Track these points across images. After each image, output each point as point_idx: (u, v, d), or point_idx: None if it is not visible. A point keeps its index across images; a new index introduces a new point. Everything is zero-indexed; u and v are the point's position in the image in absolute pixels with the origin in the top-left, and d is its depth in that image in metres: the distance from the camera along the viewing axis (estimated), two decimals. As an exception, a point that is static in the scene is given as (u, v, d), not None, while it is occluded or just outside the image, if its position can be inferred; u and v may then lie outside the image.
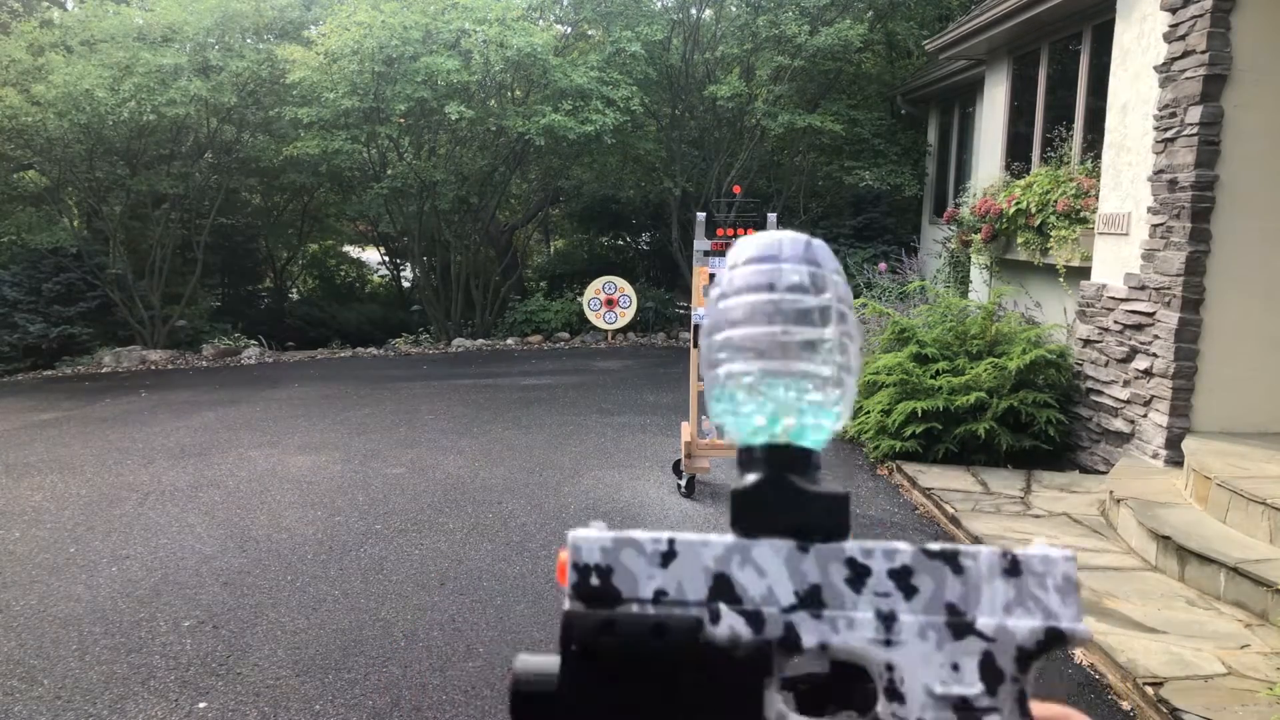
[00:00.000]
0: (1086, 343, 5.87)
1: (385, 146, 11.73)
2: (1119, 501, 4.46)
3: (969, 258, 8.50)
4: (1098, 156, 6.19)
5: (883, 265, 9.25)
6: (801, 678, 0.69)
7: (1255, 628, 3.44)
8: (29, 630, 3.61)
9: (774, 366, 0.44)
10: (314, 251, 15.54)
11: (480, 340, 11.83)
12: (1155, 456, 5.03)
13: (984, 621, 0.40)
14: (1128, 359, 5.39)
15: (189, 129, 11.20)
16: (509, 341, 11.85)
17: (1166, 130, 5.08)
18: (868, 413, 6.03)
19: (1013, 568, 0.40)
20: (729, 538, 0.42)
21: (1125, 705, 3.05)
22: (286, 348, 12.03)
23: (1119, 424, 5.44)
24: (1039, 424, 5.67)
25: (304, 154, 10.74)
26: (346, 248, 16.34)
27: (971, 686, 0.39)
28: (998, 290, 6.87)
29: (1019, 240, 7.04)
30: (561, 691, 0.41)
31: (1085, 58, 6.91)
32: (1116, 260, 5.64)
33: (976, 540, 4.41)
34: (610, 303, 11.35)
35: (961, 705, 0.39)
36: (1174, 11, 5.04)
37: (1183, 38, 4.96)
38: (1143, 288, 5.26)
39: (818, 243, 0.46)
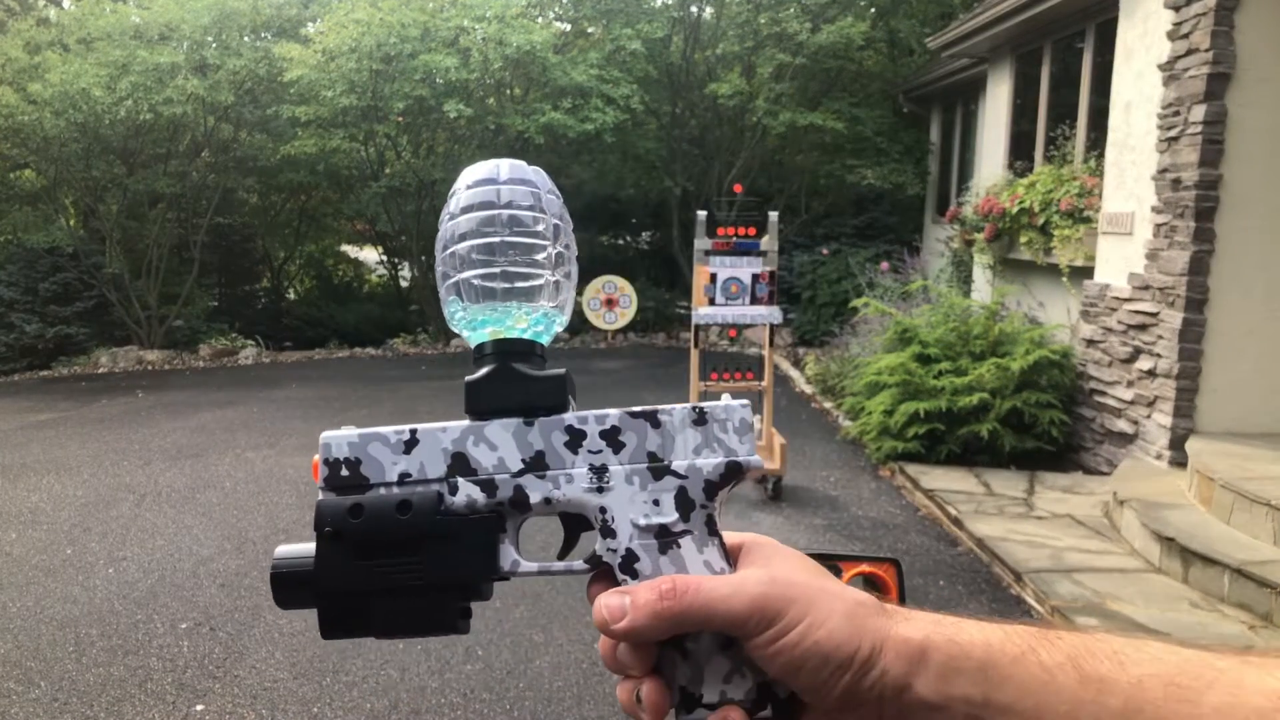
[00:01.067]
0: (1090, 343, 5.84)
1: (383, 145, 11.70)
2: (1122, 503, 4.43)
3: (972, 257, 8.48)
4: (1101, 155, 6.16)
5: (885, 265, 9.22)
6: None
7: (1259, 629, 3.41)
8: (25, 632, 3.58)
9: (495, 271, 0.50)
10: (311, 251, 15.49)
11: (479, 340, 11.80)
12: (1159, 457, 5.01)
13: (678, 463, 0.48)
14: (1131, 359, 5.36)
15: (186, 128, 11.16)
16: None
17: (1170, 129, 5.05)
18: (870, 413, 6.00)
19: (700, 418, 0.48)
20: (465, 422, 0.49)
21: (1131, 709, 3.03)
22: (284, 348, 12.00)
23: (1122, 425, 5.41)
24: (1042, 425, 5.64)
25: (301, 153, 10.70)
26: (344, 247, 16.30)
27: (669, 515, 0.47)
28: (1001, 290, 6.84)
29: (1022, 240, 7.01)
30: (318, 569, 0.47)
31: (1088, 56, 6.89)
32: (1120, 260, 5.61)
33: (980, 544, 4.38)
34: (610, 302, 11.33)
35: (662, 531, 0.47)
36: (1177, 10, 5.01)
37: (1186, 36, 4.93)
38: (1146, 287, 5.23)
39: (534, 168, 0.52)
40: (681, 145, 12.15)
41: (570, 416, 0.49)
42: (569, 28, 12.60)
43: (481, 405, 0.50)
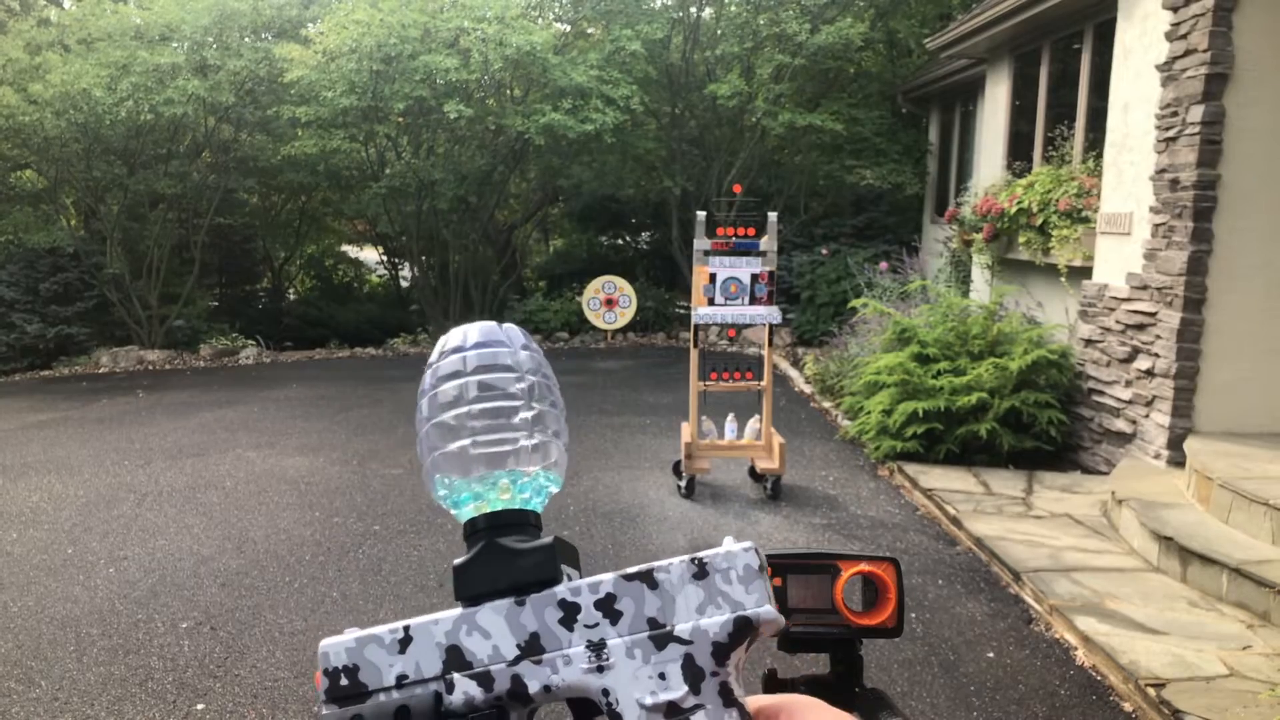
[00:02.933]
0: (1088, 343, 5.85)
1: (384, 145, 11.71)
2: (1121, 502, 4.44)
3: (970, 257, 8.49)
4: (1099, 156, 6.17)
5: (884, 264, 9.23)
6: (801, 679, 0.69)
7: (1257, 629, 3.42)
8: (26, 631, 3.59)
9: (479, 441, 0.47)
10: (312, 251, 15.50)
11: (479, 340, 11.79)
12: (1157, 457, 5.02)
13: (681, 627, 0.43)
14: (1130, 359, 5.37)
15: (186, 128, 11.17)
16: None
17: (1168, 129, 5.06)
18: (868, 413, 6.01)
19: (700, 570, 0.43)
20: (457, 611, 0.46)
21: (1128, 707, 3.04)
22: (284, 348, 12.00)
23: (1121, 424, 5.42)
24: (1040, 424, 5.65)
25: (302, 153, 10.71)
26: (344, 247, 16.31)
27: (677, 690, 0.42)
28: (999, 290, 6.85)
29: (1020, 240, 7.02)
30: None
31: (1087, 56, 6.90)
32: (1118, 260, 5.62)
33: (979, 543, 4.39)
34: (610, 302, 11.33)
35: (671, 709, 0.42)
36: (1176, 10, 5.02)
37: (1184, 36, 4.94)
38: (1145, 287, 5.24)
39: (508, 326, 0.50)
40: (681, 145, 12.15)
41: (563, 589, 0.45)
42: (569, 28, 12.61)
43: (470, 590, 0.46)
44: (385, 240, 14.67)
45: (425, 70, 9.90)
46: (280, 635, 3.52)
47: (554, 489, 0.50)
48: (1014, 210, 6.96)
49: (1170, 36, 5.07)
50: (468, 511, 0.48)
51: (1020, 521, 4.65)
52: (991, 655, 3.39)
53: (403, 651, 0.46)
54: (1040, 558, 4.12)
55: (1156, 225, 5.15)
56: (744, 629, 0.43)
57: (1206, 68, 4.75)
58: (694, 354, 5.15)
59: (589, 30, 12.48)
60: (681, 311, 12.04)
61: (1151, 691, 2.98)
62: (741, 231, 4.99)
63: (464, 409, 0.48)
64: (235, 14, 10.53)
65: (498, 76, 10.56)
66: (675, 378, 8.64)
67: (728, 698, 0.43)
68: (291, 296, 15.13)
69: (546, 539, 0.47)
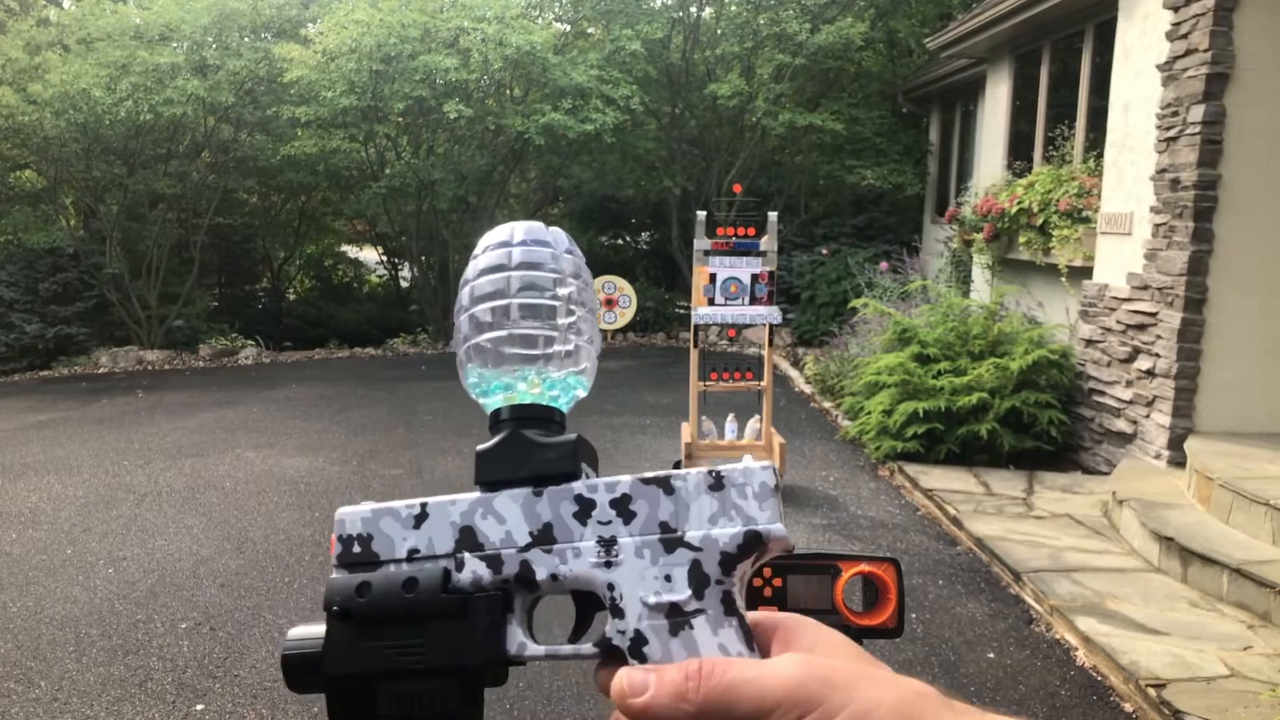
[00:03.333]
0: (1089, 343, 5.85)
1: (383, 145, 11.70)
2: (1121, 502, 4.44)
3: (971, 257, 8.48)
4: (1100, 156, 6.17)
5: (884, 265, 9.22)
6: None
7: (1258, 629, 3.42)
8: (26, 632, 3.58)
9: (515, 337, 0.48)
10: (311, 251, 15.49)
11: (479, 340, 11.79)
12: (1158, 457, 5.01)
13: (692, 534, 0.44)
14: (1130, 359, 5.37)
15: (186, 128, 11.16)
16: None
17: (1169, 129, 5.05)
18: (869, 413, 6.01)
19: (717, 483, 0.44)
20: (474, 494, 0.47)
21: (1128, 707, 3.03)
22: (284, 348, 12.00)
23: (1121, 424, 5.42)
24: (1041, 425, 5.64)
25: (301, 153, 10.70)
26: (344, 247, 16.30)
27: (680, 593, 0.43)
28: (1000, 290, 6.85)
29: (1021, 240, 7.02)
30: (325, 651, 0.46)
31: (1087, 56, 6.89)
32: (1119, 260, 5.61)
33: (979, 543, 4.39)
34: (610, 302, 11.33)
35: (673, 610, 0.43)
36: (1176, 10, 5.02)
37: (1185, 36, 4.93)
38: (1145, 287, 5.24)
39: (554, 228, 0.51)
40: (681, 145, 12.15)
41: (580, 485, 0.46)
42: (569, 28, 12.60)
43: (491, 475, 0.47)
44: (385, 240, 14.67)
45: (425, 70, 9.89)
46: (280, 635, 3.52)
47: (581, 393, 0.51)
48: (1014, 210, 6.96)
49: (1171, 36, 5.06)
50: (495, 401, 0.49)
51: (1021, 522, 4.64)
52: (992, 656, 3.38)
53: (417, 527, 0.47)
54: (1041, 558, 4.11)
55: (1157, 225, 5.15)
56: (753, 543, 0.44)
57: (1207, 67, 4.75)
58: (694, 354, 5.14)
59: (589, 30, 12.48)
60: (681, 311, 12.04)
61: (1152, 692, 2.98)
62: (741, 231, 4.98)
63: (504, 303, 0.48)
64: (235, 14, 10.52)
65: (497, 76, 10.56)
66: (675, 378, 8.64)
67: (729, 607, 0.43)
68: (291, 296, 15.12)
69: (570, 435, 0.48)
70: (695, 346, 5.15)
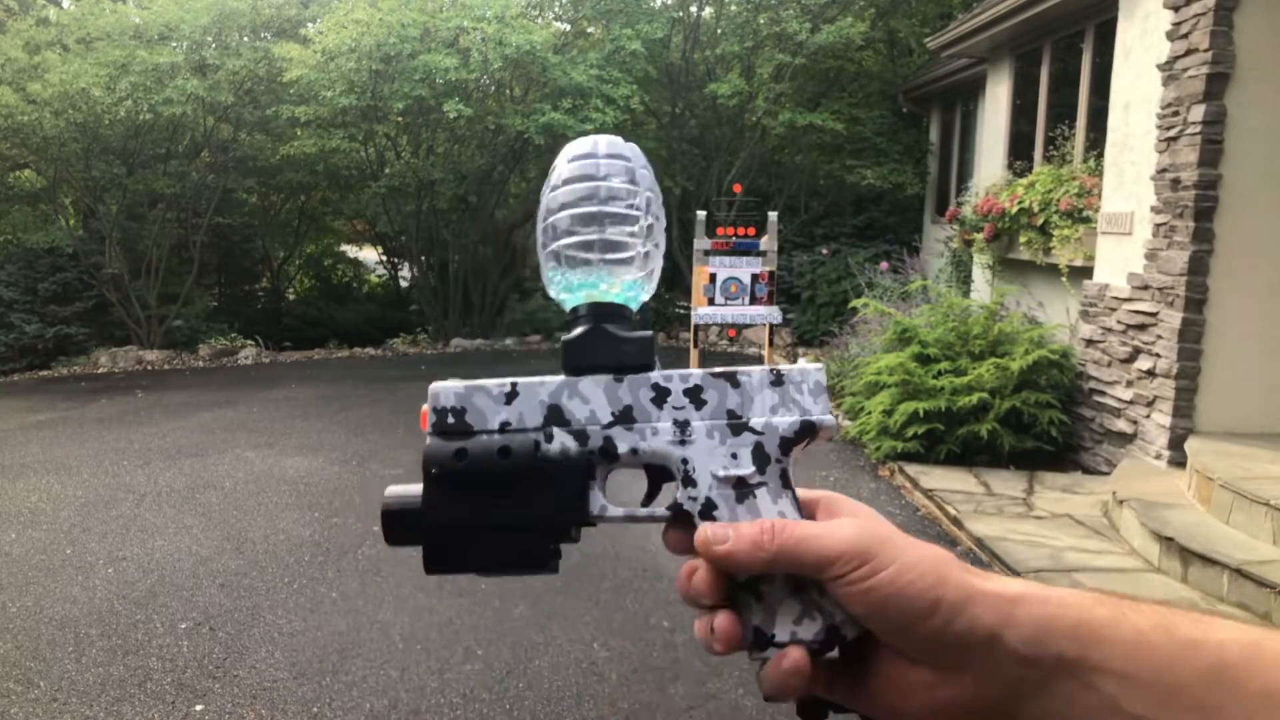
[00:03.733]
0: (1089, 343, 5.84)
1: (383, 145, 11.69)
2: (1122, 503, 4.43)
3: (971, 257, 8.48)
4: (1100, 155, 6.17)
5: (884, 264, 9.21)
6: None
7: (1261, 630, 3.41)
8: (25, 632, 3.58)
9: (593, 239, 0.53)
10: (311, 251, 15.48)
11: (479, 340, 11.80)
12: (1158, 457, 5.01)
13: (756, 421, 0.51)
14: (1131, 359, 5.36)
15: (185, 128, 11.16)
16: (508, 342, 11.82)
17: (1169, 129, 5.05)
18: (869, 413, 6.00)
19: (778, 379, 0.52)
20: (561, 378, 0.53)
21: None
22: (283, 348, 11.99)
23: (1122, 424, 5.42)
24: (1041, 425, 5.64)
25: (301, 153, 10.70)
26: (344, 247, 16.29)
27: (746, 468, 0.51)
28: (1000, 290, 6.84)
29: (1021, 239, 7.01)
30: (424, 509, 0.52)
31: (1088, 56, 6.89)
32: (1119, 260, 5.61)
33: (979, 543, 4.38)
34: (609, 302, 11.31)
35: (739, 483, 0.51)
36: (1177, 9, 5.01)
37: (1185, 36, 4.93)
38: (1146, 287, 5.23)
39: (630, 144, 0.56)
40: (681, 145, 12.14)
41: (657, 375, 0.52)
42: (569, 28, 12.59)
43: (576, 362, 0.53)
44: (385, 240, 14.66)
45: (425, 70, 9.88)
46: (279, 636, 3.51)
47: (647, 294, 0.56)
48: (1015, 210, 6.95)
49: (1171, 36, 5.06)
50: (577, 298, 0.54)
51: (1021, 522, 4.64)
52: (992, 656, 3.37)
53: (508, 403, 0.52)
54: (1041, 558, 4.11)
55: (1158, 225, 5.14)
56: (808, 430, 0.51)
57: (1208, 67, 4.74)
58: (694, 354, 5.13)
59: (589, 30, 12.47)
60: (681, 311, 12.03)
61: (1153, 692, 2.97)
62: (742, 231, 4.98)
63: (591, 210, 0.53)
64: (234, 13, 10.51)
65: (497, 76, 10.55)
66: (675, 378, 8.63)
67: (785, 481, 0.51)
68: (291, 296, 15.11)
69: (647, 332, 0.54)
70: (695, 346, 5.14)
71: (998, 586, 0.46)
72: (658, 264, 0.56)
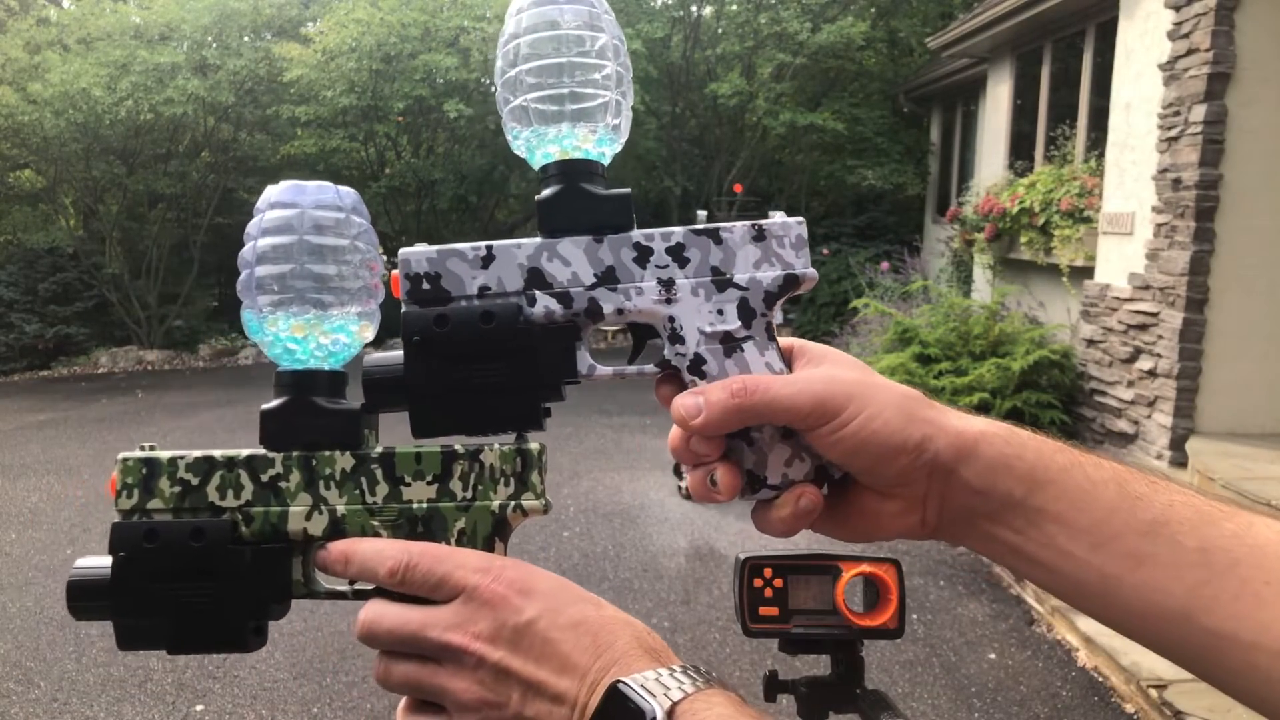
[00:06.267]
0: (1090, 343, 5.84)
1: (383, 145, 11.70)
2: (1123, 502, 4.43)
3: (972, 257, 8.47)
4: (1101, 155, 6.16)
5: (885, 264, 9.21)
6: (802, 680, 0.72)
7: (1262, 630, 3.41)
8: (25, 632, 3.58)
9: (562, 91, 0.51)
10: (312, 251, 15.49)
11: (479, 340, 11.80)
12: (1159, 458, 5.00)
13: (740, 276, 0.52)
14: (1132, 359, 5.36)
15: (186, 128, 11.16)
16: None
17: (1170, 129, 5.04)
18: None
19: (759, 234, 0.52)
20: (537, 239, 0.52)
21: (1129, 708, 3.03)
22: (285, 347, 11.99)
23: (1123, 425, 5.41)
24: (1042, 425, 5.63)
25: (301, 153, 10.71)
26: (345, 247, 16.30)
27: (732, 323, 0.51)
28: (1001, 290, 6.84)
29: (1022, 239, 7.01)
30: (408, 376, 0.52)
31: (1089, 56, 6.89)
32: (1120, 260, 5.61)
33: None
34: (610, 302, 11.33)
35: (726, 337, 0.51)
36: (1178, 9, 5.01)
37: (1186, 36, 4.93)
38: (1147, 287, 5.23)
39: None
40: (681, 145, 12.14)
41: (638, 234, 0.52)
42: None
43: (553, 223, 0.52)
44: (385, 240, 14.66)
45: (425, 69, 9.89)
46: (279, 636, 3.51)
47: (618, 146, 0.55)
48: (1016, 210, 6.95)
49: (1172, 36, 5.05)
50: (548, 154, 0.53)
51: (1022, 522, 4.63)
52: (993, 656, 3.38)
53: (485, 267, 0.51)
54: (1042, 558, 4.10)
55: (1159, 225, 5.14)
56: (791, 283, 0.52)
57: (1209, 67, 4.74)
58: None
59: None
60: (682, 311, 12.01)
61: (1154, 693, 2.97)
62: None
63: (555, 61, 0.51)
64: (235, 13, 10.52)
65: (498, 76, 10.52)
66: (676, 378, 8.62)
67: (770, 334, 0.52)
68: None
69: (624, 190, 0.53)
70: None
71: (962, 424, 0.50)
72: (627, 115, 0.54)
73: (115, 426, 7.25)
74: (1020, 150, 8.11)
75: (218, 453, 0.52)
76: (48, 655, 3.39)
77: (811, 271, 0.52)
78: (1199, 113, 4.80)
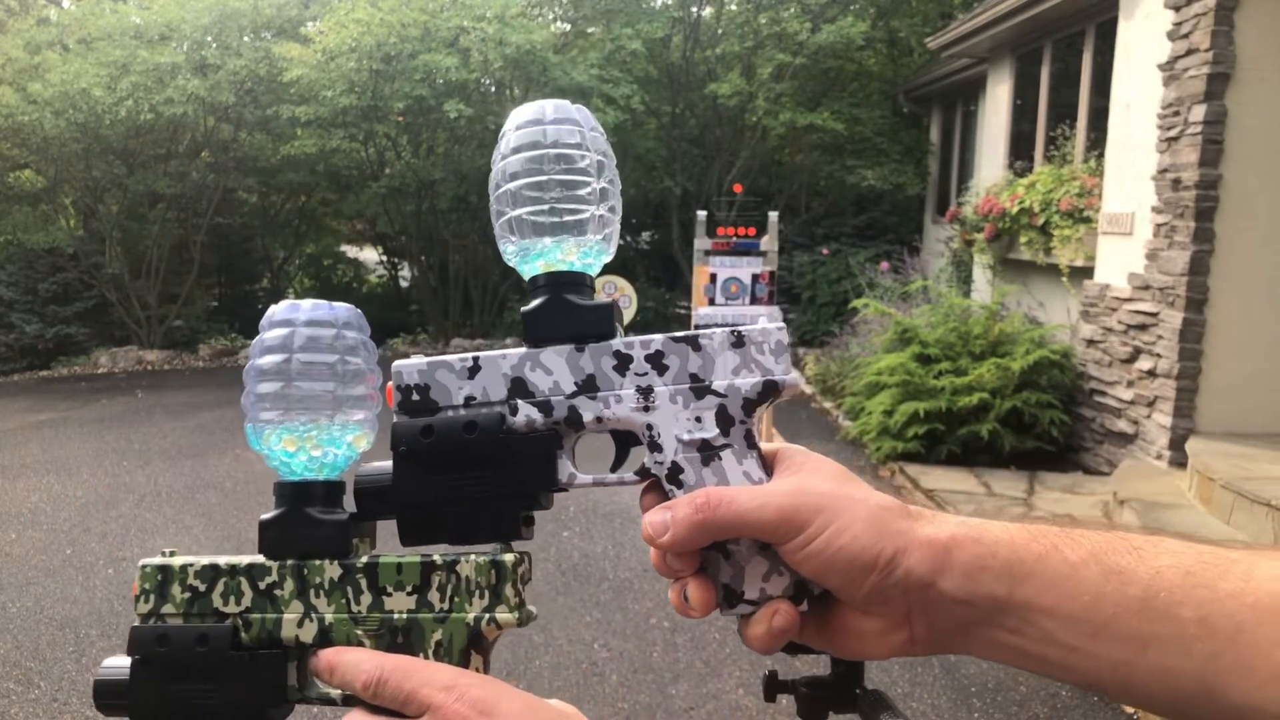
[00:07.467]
0: (1090, 343, 5.84)
1: (383, 145, 11.69)
2: (1122, 503, 4.43)
3: (972, 257, 8.48)
4: (1101, 155, 6.16)
5: (885, 265, 9.21)
6: (802, 680, 0.72)
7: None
8: (25, 632, 3.58)
9: (547, 207, 0.53)
10: (311, 251, 15.47)
11: (479, 340, 11.80)
12: (1159, 457, 5.00)
13: (718, 383, 0.52)
14: (1131, 359, 5.36)
15: (186, 128, 11.15)
16: (508, 341, 11.82)
17: (1170, 129, 5.05)
18: (870, 413, 6.00)
19: (738, 341, 0.52)
20: (522, 349, 0.53)
21: (1129, 709, 3.03)
22: (285, 347, 11.98)
23: (1123, 425, 5.41)
24: (1042, 425, 5.64)
25: (301, 153, 10.69)
26: (344, 247, 16.28)
27: (710, 431, 0.51)
28: (1001, 290, 6.84)
29: (1022, 240, 7.01)
30: (395, 485, 0.53)
31: (1088, 56, 6.89)
32: (1120, 260, 5.61)
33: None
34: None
35: (704, 445, 0.51)
36: (1177, 9, 5.01)
37: (1186, 36, 4.93)
38: (1146, 287, 5.23)
39: (579, 106, 0.55)
40: (681, 145, 12.14)
41: (618, 342, 0.53)
42: (569, 28, 12.59)
43: (536, 333, 0.53)
44: (385, 240, 14.65)
45: (425, 69, 9.88)
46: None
47: (606, 258, 0.56)
48: (1015, 210, 6.95)
49: (1172, 36, 5.05)
50: (535, 268, 0.54)
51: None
52: (993, 656, 3.37)
53: (471, 378, 0.53)
54: (1042, 558, 4.10)
55: (1158, 225, 5.14)
56: (771, 390, 0.52)
57: (1208, 67, 4.74)
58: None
59: (589, 30, 12.47)
60: (682, 312, 12.03)
61: (1154, 693, 2.97)
62: (742, 231, 4.98)
63: (542, 178, 0.53)
64: (235, 13, 10.51)
65: (498, 76, 10.54)
66: (675, 378, 8.62)
67: (750, 442, 0.52)
68: (291, 296, 15.07)
69: (606, 299, 0.54)
70: (696, 346, 5.14)
71: (932, 532, 0.48)
72: (615, 228, 0.56)
73: (115, 426, 7.25)
74: (1020, 150, 8.12)
75: (223, 560, 0.53)
76: (48, 655, 3.39)
77: (792, 378, 0.52)
78: (1199, 113, 4.80)
